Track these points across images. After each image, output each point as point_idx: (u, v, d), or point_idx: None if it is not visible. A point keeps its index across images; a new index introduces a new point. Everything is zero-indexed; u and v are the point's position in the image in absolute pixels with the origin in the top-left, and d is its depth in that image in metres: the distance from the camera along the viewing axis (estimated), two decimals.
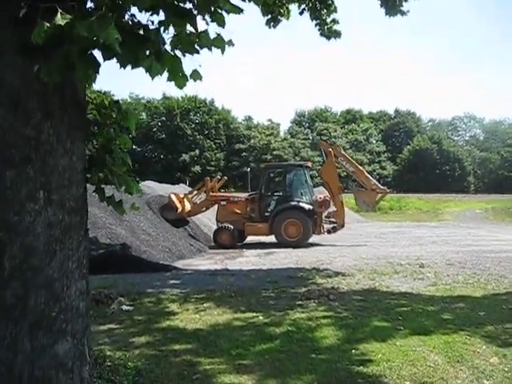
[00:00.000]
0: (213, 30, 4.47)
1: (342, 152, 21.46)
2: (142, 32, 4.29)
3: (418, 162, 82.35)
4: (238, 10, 4.55)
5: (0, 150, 4.67)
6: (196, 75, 4.47)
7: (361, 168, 21.05)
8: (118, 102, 5.18)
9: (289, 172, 20.75)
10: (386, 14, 12.30)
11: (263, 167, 22.02)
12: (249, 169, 24.81)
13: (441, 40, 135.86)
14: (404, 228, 28.73)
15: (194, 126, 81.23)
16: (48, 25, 3.79)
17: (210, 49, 4.54)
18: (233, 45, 4.74)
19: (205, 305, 9.06)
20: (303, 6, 13.29)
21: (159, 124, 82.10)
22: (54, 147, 4.76)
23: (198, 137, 80.00)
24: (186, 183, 22.12)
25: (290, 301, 9.27)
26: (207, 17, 4.51)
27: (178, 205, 19.64)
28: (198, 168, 75.42)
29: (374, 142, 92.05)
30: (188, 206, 20.20)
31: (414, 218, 39.97)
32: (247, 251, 17.86)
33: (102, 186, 5.37)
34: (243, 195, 21.49)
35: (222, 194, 21.13)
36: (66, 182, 4.85)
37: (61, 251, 4.82)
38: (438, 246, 18.31)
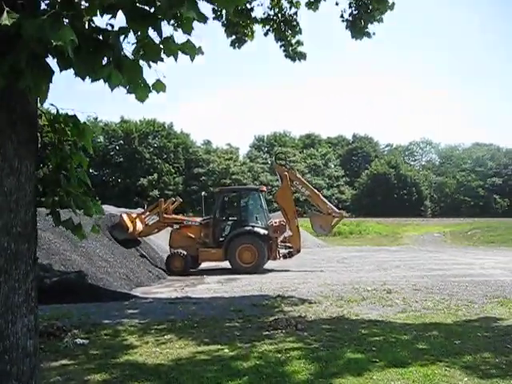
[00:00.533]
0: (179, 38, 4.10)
1: (298, 175, 21.09)
2: (100, 37, 3.86)
3: (375, 187, 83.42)
4: (204, 19, 4.15)
5: None
6: (159, 86, 4.04)
7: (316, 192, 20.80)
8: (74, 116, 4.66)
9: (243, 196, 20.32)
10: (353, 37, 12.19)
11: (217, 191, 21.57)
12: (203, 193, 24.24)
13: (398, 67, 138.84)
14: (366, 252, 28.59)
15: (152, 149, 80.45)
16: None
17: (175, 57, 4.13)
18: (202, 53, 4.34)
19: (166, 337, 8.49)
20: (267, 27, 13.10)
21: (117, 148, 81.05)
22: None
23: (156, 161, 79.23)
24: (143, 207, 21.48)
25: (257, 331, 8.78)
26: (172, 22, 4.13)
27: (129, 224, 19.01)
28: (156, 192, 74.32)
29: (333, 166, 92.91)
30: (140, 226, 19.58)
31: (374, 242, 40.02)
32: (208, 277, 17.29)
33: (57, 209, 4.82)
34: (197, 219, 20.87)
35: (175, 216, 20.40)
36: (12, 204, 4.33)
37: (5, 283, 4.30)
38: (402, 271, 18.10)
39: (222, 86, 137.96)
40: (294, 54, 13.23)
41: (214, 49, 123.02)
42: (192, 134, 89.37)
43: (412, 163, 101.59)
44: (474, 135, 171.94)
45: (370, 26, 11.89)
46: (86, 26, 3.87)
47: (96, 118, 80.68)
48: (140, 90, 3.96)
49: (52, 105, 4.74)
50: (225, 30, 13.01)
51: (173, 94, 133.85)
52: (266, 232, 19.03)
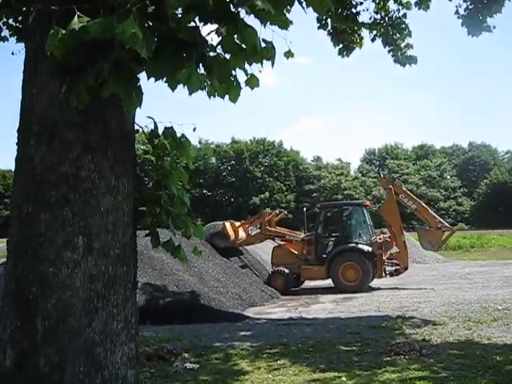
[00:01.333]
0: None
1: (404, 188, 19.90)
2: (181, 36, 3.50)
3: (496, 197, 78.69)
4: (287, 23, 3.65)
5: (32, 189, 3.98)
6: (253, 81, 3.61)
7: (424, 205, 19.59)
8: (171, 128, 4.34)
9: (345, 212, 19.46)
10: (469, 34, 11.25)
11: (318, 207, 20.91)
12: (304, 209, 24.06)
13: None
14: (490, 267, 26.58)
15: (263, 168, 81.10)
16: (63, 31, 3.06)
17: (261, 62, 3.68)
18: (292, 55, 3.87)
19: (279, 362, 8.02)
20: (375, 32, 12.48)
21: (229, 168, 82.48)
22: (95, 185, 4.02)
23: (267, 179, 79.72)
24: (256, 226, 21.47)
25: (376, 357, 8.09)
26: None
27: (231, 233, 18.88)
28: (268, 210, 74.69)
29: (449, 177, 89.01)
30: (242, 235, 19.37)
31: (498, 256, 37.30)
32: (322, 297, 16.69)
33: (157, 229, 4.52)
34: (300, 235, 20.07)
35: (277, 229, 19.95)
36: (109, 226, 4.07)
37: (103, 309, 4.02)
38: None
39: (327, 101, 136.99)
40: (403, 59, 12.48)
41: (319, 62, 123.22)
42: (302, 151, 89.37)
43: None
44: None
45: (488, 19, 10.91)
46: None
47: (207, 140, 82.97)
48: (232, 89, 3.58)
49: (149, 117, 4.46)
50: (331, 39, 12.55)
51: (280, 114, 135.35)
52: (370, 249, 18.10)
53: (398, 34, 12.33)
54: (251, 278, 17.67)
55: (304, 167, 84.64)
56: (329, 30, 12.45)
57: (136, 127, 4.50)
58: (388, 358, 7.91)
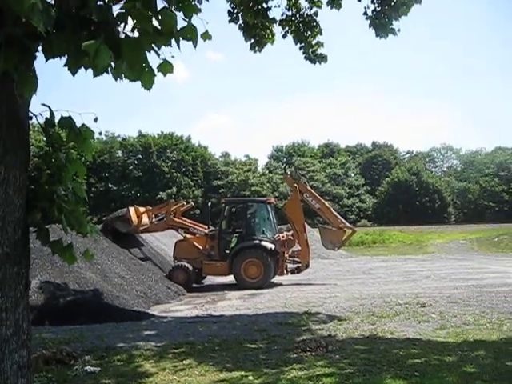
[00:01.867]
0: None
1: (308, 188, 20.17)
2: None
3: (397, 194, 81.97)
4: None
5: None
6: (166, 67, 3.37)
7: (327, 205, 19.98)
8: (69, 117, 3.97)
9: (250, 208, 19.46)
10: (377, 36, 11.46)
11: (223, 202, 20.83)
12: (209, 203, 23.72)
13: (415, 73, 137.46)
14: (392, 262, 27.58)
15: (170, 163, 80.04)
16: None
17: (178, 42, 3.48)
18: (209, 38, 3.68)
19: (184, 362, 7.77)
20: (286, 29, 12.47)
21: (135, 162, 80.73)
22: None
23: (175, 174, 78.76)
24: (161, 214, 21.15)
25: (283, 354, 8.03)
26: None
27: (134, 218, 18.55)
28: (173, 201, 73.75)
29: (353, 175, 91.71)
30: (146, 221, 19.11)
31: (399, 252, 38.85)
32: (229, 293, 16.55)
33: (46, 226, 4.13)
34: (205, 228, 19.76)
35: (182, 220, 19.71)
36: None
37: None
38: (433, 282, 17.20)
39: (236, 97, 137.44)
40: (314, 57, 12.58)
41: (229, 58, 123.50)
42: (210, 147, 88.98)
43: (433, 170, 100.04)
44: (495, 140, 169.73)
45: (394, 22, 11.16)
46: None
47: (114, 133, 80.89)
48: (145, 74, 3.32)
49: (44, 105, 4.06)
50: (243, 33, 12.40)
51: (189, 109, 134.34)
52: (272, 246, 18.17)
53: (309, 32, 12.39)
54: (157, 274, 17.27)
55: (212, 163, 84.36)
56: (240, 25, 12.31)
57: (30, 115, 4.11)
58: (295, 355, 7.87)
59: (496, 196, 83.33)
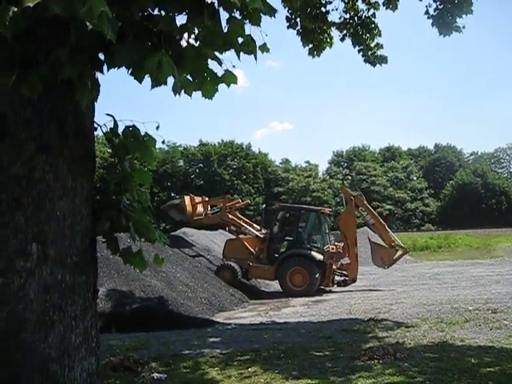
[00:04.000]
0: None
1: (365, 202, 19.79)
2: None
3: (462, 197, 79.75)
4: (272, 11, 3.47)
5: None
6: (230, 78, 3.35)
7: (382, 221, 19.61)
8: (133, 126, 4.01)
9: (303, 216, 19.39)
10: (440, 34, 11.17)
11: (277, 207, 20.66)
12: (264, 205, 23.24)
13: (479, 69, 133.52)
14: (459, 267, 26.78)
15: (231, 171, 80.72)
16: (15, 9, 2.72)
17: (238, 54, 3.46)
18: (268, 50, 3.65)
19: (250, 369, 7.73)
20: (344, 32, 12.34)
21: (197, 171, 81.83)
22: (50, 187, 3.69)
23: (235, 182, 79.36)
24: (225, 229, 21.31)
25: (350, 361, 7.86)
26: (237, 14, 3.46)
27: (189, 208, 18.69)
28: (236, 213, 74.33)
29: (415, 178, 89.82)
30: (200, 211, 19.38)
31: (465, 256, 37.70)
32: (293, 300, 16.46)
33: (115, 235, 4.17)
34: (256, 229, 19.71)
35: (236, 217, 19.79)
36: (66, 231, 3.75)
37: (60, 322, 3.71)
38: (503, 287, 16.54)
39: (296, 103, 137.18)
40: (373, 59, 12.41)
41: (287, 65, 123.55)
42: (270, 154, 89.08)
43: (499, 171, 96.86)
44: None
45: (458, 19, 10.84)
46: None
47: (175, 143, 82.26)
48: (207, 84, 3.30)
49: (109, 115, 4.12)
50: (301, 39, 12.37)
51: (249, 118, 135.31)
52: (321, 257, 17.98)
53: (367, 34, 12.23)
54: (220, 282, 17.37)
55: (272, 169, 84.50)
56: (298, 30, 12.28)
57: (95, 126, 4.18)
58: (362, 363, 7.69)
59: None
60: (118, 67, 3.40)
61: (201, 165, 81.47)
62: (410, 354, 8.07)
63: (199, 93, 3.52)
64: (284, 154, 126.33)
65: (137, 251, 4.09)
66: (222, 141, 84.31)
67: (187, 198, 19.18)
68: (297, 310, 14.12)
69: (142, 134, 4.02)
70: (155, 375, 7.54)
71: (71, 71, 3.10)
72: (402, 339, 9.28)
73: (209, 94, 3.38)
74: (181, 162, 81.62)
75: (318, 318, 12.40)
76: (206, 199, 20.43)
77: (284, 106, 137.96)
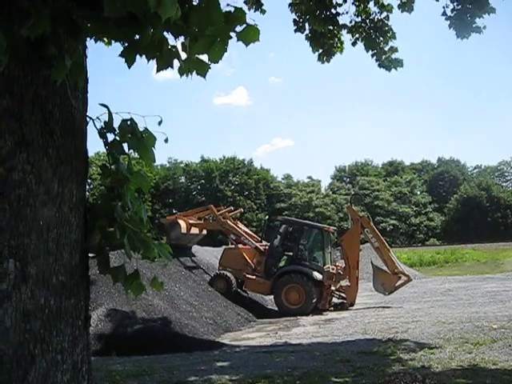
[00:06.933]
0: None
1: (371, 224, 19.12)
2: None
3: (467, 211, 79.15)
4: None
5: None
6: (249, 34, 2.67)
7: (387, 246, 18.96)
8: (131, 120, 3.32)
9: (305, 232, 18.71)
10: (458, 37, 10.52)
11: (279, 220, 19.96)
12: (266, 216, 22.71)
13: (480, 84, 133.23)
14: (470, 282, 25.98)
15: (233, 187, 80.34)
16: None
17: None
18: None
19: None
20: (356, 36, 11.73)
21: (199, 187, 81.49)
22: (31, 191, 3.00)
23: (238, 198, 78.88)
24: (227, 244, 20.86)
25: None
26: None
27: (184, 230, 18.54)
28: (238, 222, 73.75)
29: (419, 193, 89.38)
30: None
31: (475, 271, 36.94)
32: (302, 319, 15.71)
33: (107, 250, 3.43)
34: (257, 241, 19.04)
35: (235, 225, 19.15)
36: (51, 245, 3.05)
37: (43, 356, 3.00)
38: None
39: (297, 119, 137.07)
40: (388, 63, 11.76)
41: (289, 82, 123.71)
42: (272, 170, 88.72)
43: (504, 184, 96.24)
44: None
45: (477, 20, 10.21)
46: None
47: (176, 160, 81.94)
48: (215, 45, 2.65)
49: (102, 105, 3.42)
50: (310, 44, 11.76)
51: (250, 134, 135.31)
52: (320, 277, 17.30)
53: (381, 37, 11.62)
54: (225, 300, 16.66)
55: (274, 185, 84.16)
56: (307, 34, 11.69)
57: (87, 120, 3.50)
58: None
59: None
60: (105, 33, 2.77)
61: (202, 181, 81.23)
62: (440, 379, 7.31)
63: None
64: (286, 169, 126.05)
65: (132, 272, 3.36)
66: (224, 157, 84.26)
67: (182, 222, 18.61)
68: (308, 330, 13.39)
69: (141, 129, 3.34)
70: None
71: (36, 28, 2.44)
72: (428, 362, 8.53)
73: (217, 57, 2.71)
74: (182, 179, 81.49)
75: (332, 339, 11.69)
76: (184, 213, 20.20)
77: (286, 123, 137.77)
